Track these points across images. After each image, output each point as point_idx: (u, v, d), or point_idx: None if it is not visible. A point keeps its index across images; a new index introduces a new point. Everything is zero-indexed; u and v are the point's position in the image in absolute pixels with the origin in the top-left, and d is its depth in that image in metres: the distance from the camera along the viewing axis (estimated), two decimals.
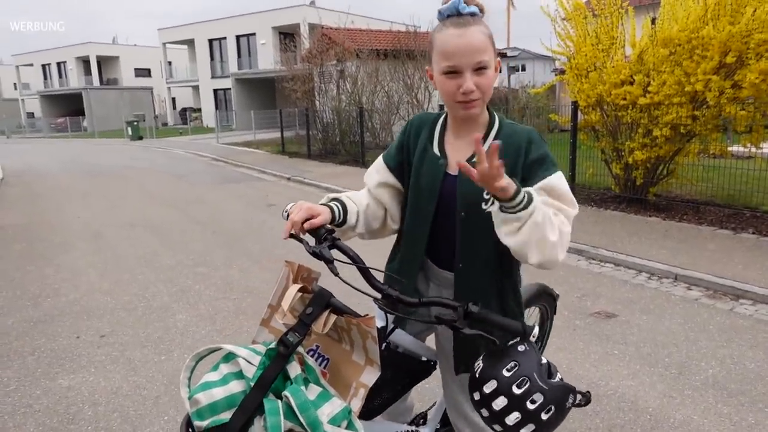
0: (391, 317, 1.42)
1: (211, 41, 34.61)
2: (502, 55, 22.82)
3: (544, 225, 1.23)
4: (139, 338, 3.56)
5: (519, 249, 1.26)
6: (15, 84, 50.92)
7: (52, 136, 36.58)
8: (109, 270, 5.07)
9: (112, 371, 3.12)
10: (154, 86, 44.27)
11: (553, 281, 4.45)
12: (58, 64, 45.31)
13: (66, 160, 17.35)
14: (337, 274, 1.27)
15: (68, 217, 7.82)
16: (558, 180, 1.34)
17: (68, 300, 4.30)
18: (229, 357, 1.17)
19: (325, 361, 1.28)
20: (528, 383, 1.23)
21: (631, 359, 3.13)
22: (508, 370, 1.25)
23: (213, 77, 34.80)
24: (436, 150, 1.46)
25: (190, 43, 36.15)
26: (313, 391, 1.13)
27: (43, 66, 46.53)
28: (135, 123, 28.22)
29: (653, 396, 2.75)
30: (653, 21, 6.49)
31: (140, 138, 27.54)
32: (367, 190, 1.57)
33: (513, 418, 1.23)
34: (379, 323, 1.36)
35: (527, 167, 1.35)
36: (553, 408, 1.24)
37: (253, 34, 32.07)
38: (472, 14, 1.33)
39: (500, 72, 1.41)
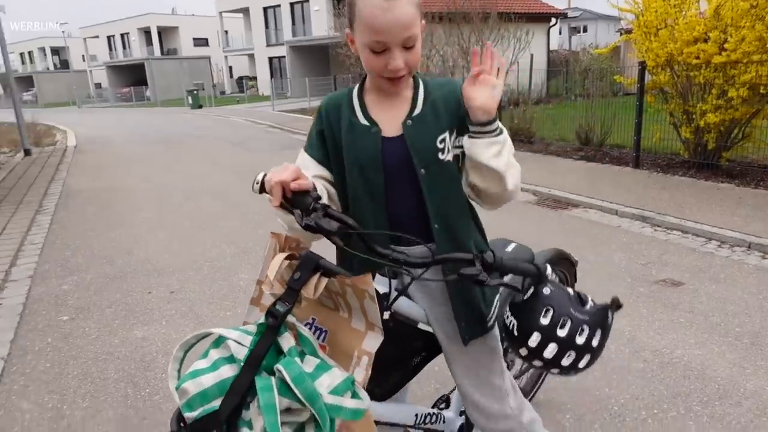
0: (394, 283, 1.33)
1: (265, 9, 34.76)
2: (563, 15, 21.78)
3: (511, 149, 1.28)
4: (206, 295, 3.74)
5: (503, 171, 1.25)
6: (83, 56, 53.19)
7: (118, 106, 38.18)
8: (176, 232, 5.31)
9: (182, 324, 3.29)
10: (212, 55, 45.16)
11: (615, 247, 4.33)
12: (122, 35, 46.89)
13: (132, 129, 18.10)
14: (344, 246, 1.17)
15: (136, 182, 8.20)
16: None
17: (139, 259, 4.55)
18: (220, 341, 1.07)
19: (324, 334, 1.18)
20: (569, 322, 1.24)
21: (699, 328, 3.02)
22: (544, 317, 1.25)
23: (268, 45, 35.09)
24: (363, 120, 1.34)
25: (245, 11, 36.46)
26: (310, 364, 1.03)
27: (108, 38, 48.27)
28: (195, 92, 28.97)
29: (722, 365, 2.65)
30: None
31: (200, 106, 28.29)
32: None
33: (568, 358, 1.25)
34: (381, 289, 1.27)
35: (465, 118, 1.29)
36: (599, 331, 1.27)
37: (307, 0, 31.96)
38: None
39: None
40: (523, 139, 9.41)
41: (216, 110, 25.60)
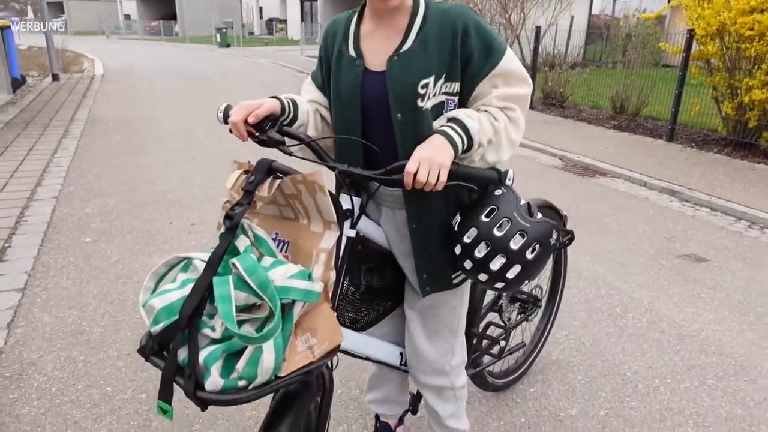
0: (357, 201, 1.28)
1: None
2: None
3: (499, 137, 1.24)
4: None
5: (499, 162, 1.28)
6: None
7: (147, 39, 37.87)
8: (199, 165, 5.32)
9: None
10: None
11: (641, 218, 4.24)
12: None
13: (159, 62, 17.99)
14: (291, 153, 1.23)
15: (162, 115, 8.19)
16: (509, 62, 1.25)
17: (162, 189, 4.57)
18: (188, 265, 1.09)
19: (286, 245, 1.21)
20: (509, 224, 1.23)
21: (720, 305, 2.96)
22: (486, 216, 1.24)
23: None
24: (351, 51, 1.29)
25: None
26: (266, 262, 1.05)
27: None
28: (224, 30, 28.57)
29: (741, 343, 2.61)
30: None
31: (228, 45, 27.95)
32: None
33: (498, 262, 1.22)
34: (345, 206, 1.27)
35: (470, 57, 1.22)
36: (537, 246, 1.23)
37: None
38: None
39: None
40: (555, 103, 9.16)
41: (244, 50, 25.26)
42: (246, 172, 1.21)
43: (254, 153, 1.35)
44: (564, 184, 5.25)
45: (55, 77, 11.90)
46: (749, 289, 3.16)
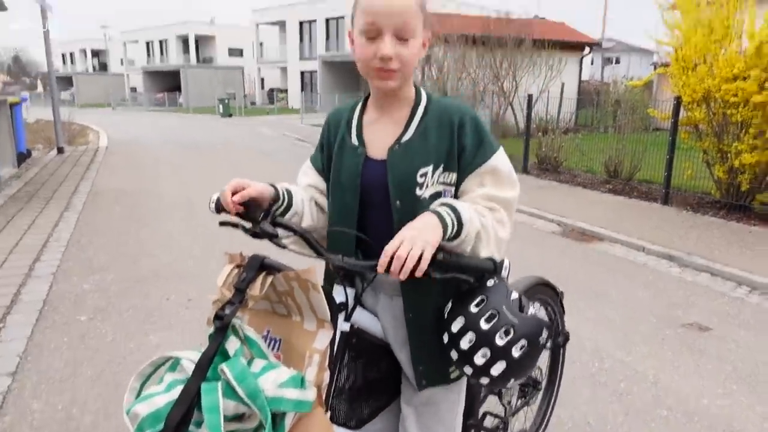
0: (351, 292, 1.27)
1: (301, 23, 35.40)
2: (597, 45, 21.70)
3: (487, 233, 1.22)
4: None
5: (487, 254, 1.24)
6: (122, 60, 54.71)
7: (152, 110, 39.03)
8: (199, 236, 5.34)
9: (197, 333, 3.28)
10: (246, 66, 45.98)
11: (640, 284, 4.22)
12: (160, 41, 48.12)
13: (163, 133, 18.45)
14: (285, 247, 1.20)
15: (164, 185, 8.32)
16: (499, 161, 1.28)
17: (161, 263, 4.58)
18: (175, 365, 1.07)
19: (278, 343, 1.17)
20: (497, 317, 1.19)
21: (728, 377, 2.90)
22: (476, 306, 1.21)
23: (301, 59, 35.65)
24: (354, 140, 1.32)
25: (281, 24, 37.18)
26: (257, 365, 1.02)
27: (147, 43, 49.59)
28: (226, 101, 29.49)
29: (753, 419, 2.53)
30: None
31: (230, 115, 28.76)
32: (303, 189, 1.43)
33: (481, 355, 1.18)
34: (339, 299, 1.24)
35: (463, 150, 1.26)
36: (525, 343, 1.19)
37: (342, 17, 32.44)
38: None
39: (426, 48, 1.26)
40: (549, 168, 9.32)
41: (245, 120, 25.98)
42: (238, 266, 1.20)
43: (249, 243, 1.36)
44: (562, 250, 5.26)
45: (60, 150, 12.17)
46: (755, 359, 3.09)
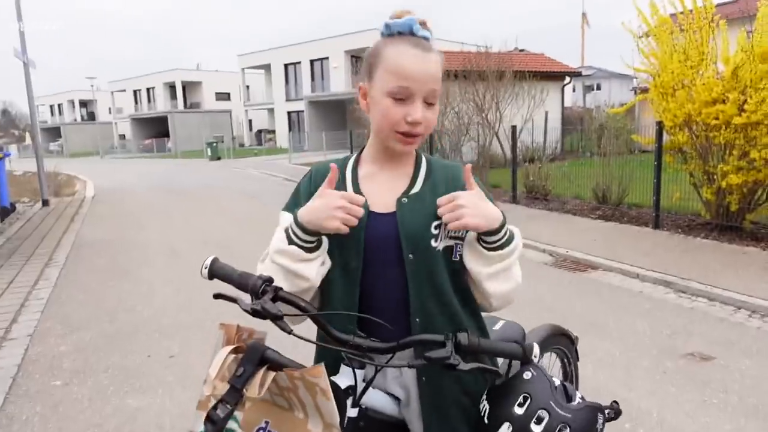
0: (360, 374, 1.14)
1: (286, 66, 35.95)
2: (577, 74, 22.11)
3: (513, 267, 1.22)
4: (206, 360, 3.56)
5: (503, 295, 1.21)
6: (110, 108, 55.13)
7: (140, 156, 39.11)
8: (182, 286, 5.20)
9: (179, 393, 3.12)
10: (233, 109, 46.46)
11: (637, 314, 4.11)
12: (148, 89, 48.60)
13: (150, 179, 18.39)
14: (290, 332, 1.03)
15: (148, 233, 8.18)
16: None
17: (143, 317, 4.42)
18: None
19: None
20: (547, 416, 1.05)
21: (734, 411, 2.77)
22: (520, 406, 1.07)
23: (287, 100, 36.06)
24: (351, 192, 1.22)
25: (267, 67, 37.72)
26: None
27: (135, 91, 50.07)
28: (214, 144, 29.60)
29: None
30: (749, 34, 6.00)
31: (218, 158, 28.82)
32: None
33: None
34: (346, 382, 1.12)
35: None
36: None
37: (326, 58, 32.99)
38: (426, 38, 1.19)
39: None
40: (538, 197, 9.30)
41: (234, 162, 26.03)
42: (236, 349, 1.04)
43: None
44: (556, 281, 5.15)
45: (45, 203, 12.03)
46: (762, 388, 2.97)
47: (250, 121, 44.14)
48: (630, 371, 3.22)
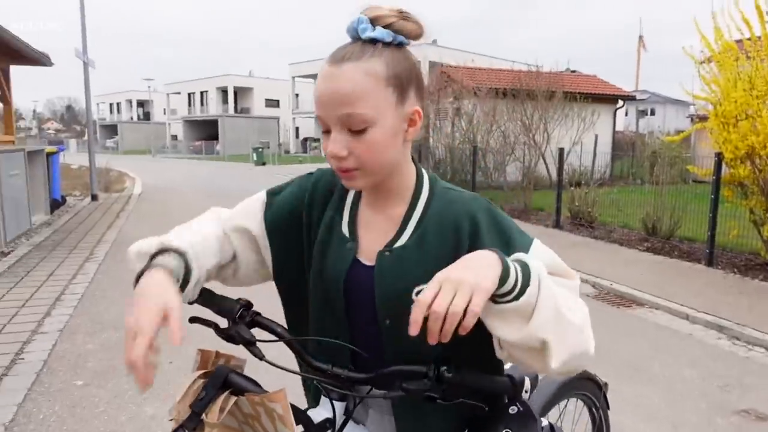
0: (339, 406, 1.04)
1: None
2: (631, 98, 21.46)
3: (559, 305, 0.84)
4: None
5: (531, 351, 0.85)
6: (164, 109, 57.22)
7: (189, 157, 40.28)
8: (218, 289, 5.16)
9: None
10: (281, 116, 47.40)
11: (686, 360, 3.80)
12: (201, 92, 50.18)
13: (196, 180, 18.81)
14: (262, 358, 0.98)
15: None
16: (543, 249, 0.98)
17: None
18: None
19: None
20: None
21: None
22: None
23: None
24: (344, 228, 1.05)
25: (316, 77, 38.26)
26: None
27: (189, 94, 51.76)
28: (260, 149, 30.18)
29: None
30: None
31: (263, 164, 29.33)
32: (219, 224, 1.16)
33: None
34: (324, 415, 1.03)
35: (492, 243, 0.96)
36: None
37: None
38: (375, 41, 0.91)
39: (420, 123, 0.94)
40: (583, 223, 8.96)
41: (278, 168, 26.40)
42: (206, 374, 0.99)
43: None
44: (598, 316, 4.85)
45: (95, 197, 12.42)
46: None
47: (297, 128, 44.90)
48: (676, 426, 2.95)
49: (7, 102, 9.71)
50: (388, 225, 1.02)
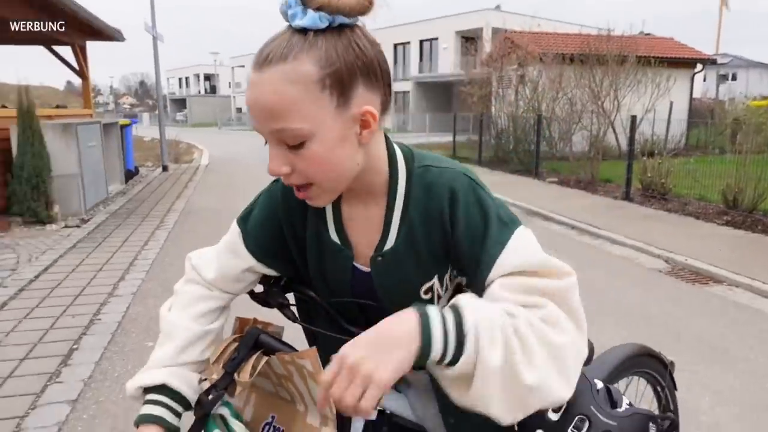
0: None
1: (396, 45, 35.96)
2: (711, 62, 19.94)
3: (526, 344, 0.72)
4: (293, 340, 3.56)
5: (482, 408, 0.73)
6: (230, 83, 58.69)
7: (253, 129, 41.21)
8: None
9: None
10: None
11: None
12: None
13: (259, 153, 19.19)
14: (296, 320, 1.01)
15: None
16: (522, 245, 0.81)
17: None
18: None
19: None
20: (587, 424, 0.90)
21: None
22: (555, 411, 0.89)
23: (394, 80, 35.68)
24: (333, 235, 0.94)
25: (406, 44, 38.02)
26: None
27: None
28: None
29: None
30: None
31: None
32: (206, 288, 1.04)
33: None
34: None
35: (461, 245, 0.84)
36: None
37: (436, 38, 32.55)
38: (306, 31, 0.74)
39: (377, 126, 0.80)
40: (655, 195, 8.48)
41: None
42: (241, 337, 1.00)
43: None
44: (671, 293, 4.61)
45: (165, 168, 12.97)
46: None
47: None
48: (756, 412, 2.75)
49: (85, 77, 10.21)
50: (373, 226, 0.91)
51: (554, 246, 6.13)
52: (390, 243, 0.89)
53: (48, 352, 3.26)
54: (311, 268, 0.99)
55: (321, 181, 0.81)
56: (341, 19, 0.75)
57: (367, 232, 0.92)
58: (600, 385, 0.95)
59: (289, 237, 0.98)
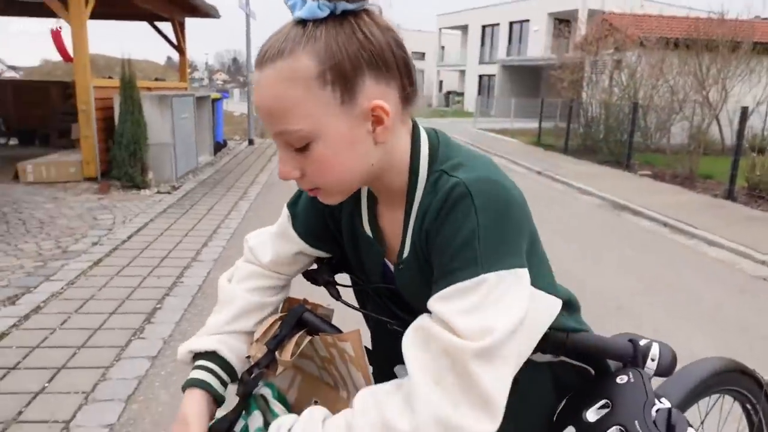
0: None
1: (484, 27, 35.08)
2: None
3: None
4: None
5: None
6: None
7: None
8: None
9: None
10: (426, 69, 47.02)
11: None
12: None
13: None
14: (338, 298, 0.97)
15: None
16: (480, 297, 0.66)
17: None
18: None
19: None
20: None
21: None
22: (594, 413, 0.83)
23: (480, 63, 35.32)
24: (367, 229, 0.89)
25: (463, 28, 37.25)
26: None
27: None
28: None
29: None
30: None
31: None
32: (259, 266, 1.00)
33: None
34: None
35: (438, 255, 0.72)
36: None
37: (527, 20, 31.35)
38: (305, 23, 0.68)
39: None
40: (764, 196, 7.73)
41: (420, 121, 26.38)
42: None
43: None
44: None
45: (251, 142, 13.46)
46: None
47: (441, 82, 44.34)
48: None
49: (183, 52, 10.72)
50: (396, 229, 0.85)
51: (643, 243, 5.75)
52: (406, 252, 0.82)
53: (134, 309, 3.46)
54: (349, 253, 0.97)
55: (332, 186, 0.76)
56: (344, 6, 0.68)
57: (393, 233, 0.86)
58: (663, 404, 0.84)
59: (330, 221, 0.97)
